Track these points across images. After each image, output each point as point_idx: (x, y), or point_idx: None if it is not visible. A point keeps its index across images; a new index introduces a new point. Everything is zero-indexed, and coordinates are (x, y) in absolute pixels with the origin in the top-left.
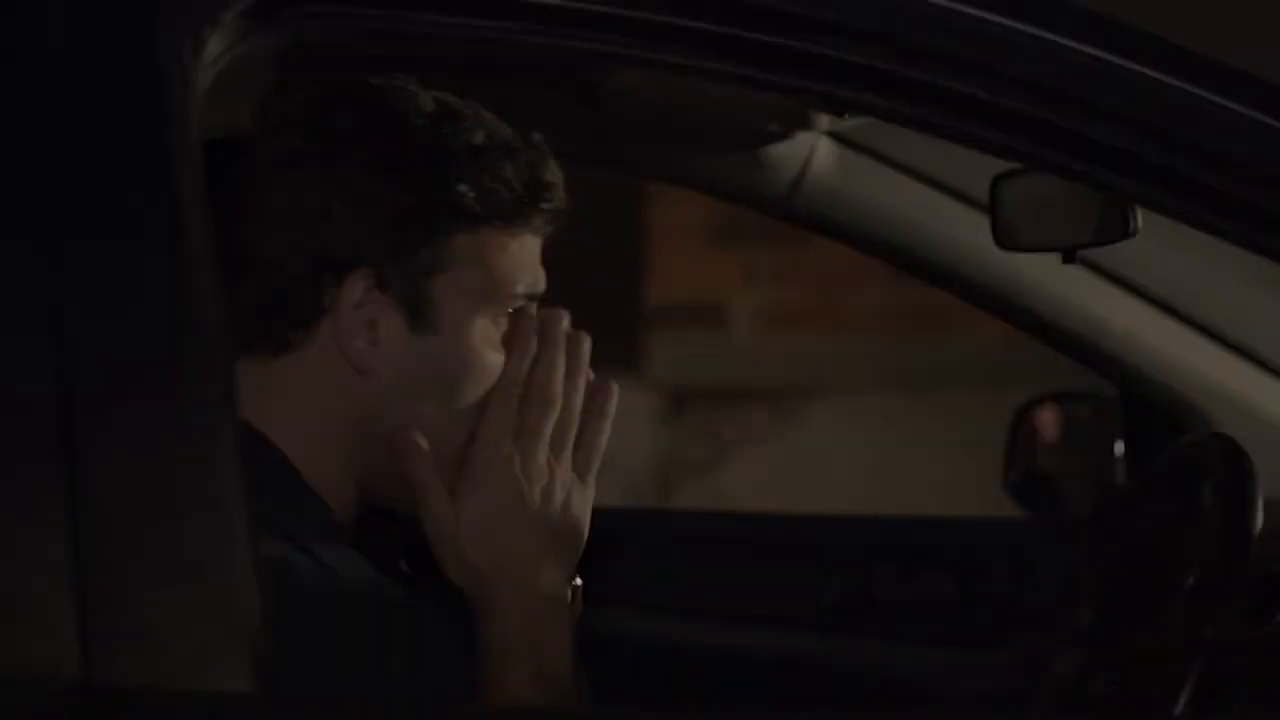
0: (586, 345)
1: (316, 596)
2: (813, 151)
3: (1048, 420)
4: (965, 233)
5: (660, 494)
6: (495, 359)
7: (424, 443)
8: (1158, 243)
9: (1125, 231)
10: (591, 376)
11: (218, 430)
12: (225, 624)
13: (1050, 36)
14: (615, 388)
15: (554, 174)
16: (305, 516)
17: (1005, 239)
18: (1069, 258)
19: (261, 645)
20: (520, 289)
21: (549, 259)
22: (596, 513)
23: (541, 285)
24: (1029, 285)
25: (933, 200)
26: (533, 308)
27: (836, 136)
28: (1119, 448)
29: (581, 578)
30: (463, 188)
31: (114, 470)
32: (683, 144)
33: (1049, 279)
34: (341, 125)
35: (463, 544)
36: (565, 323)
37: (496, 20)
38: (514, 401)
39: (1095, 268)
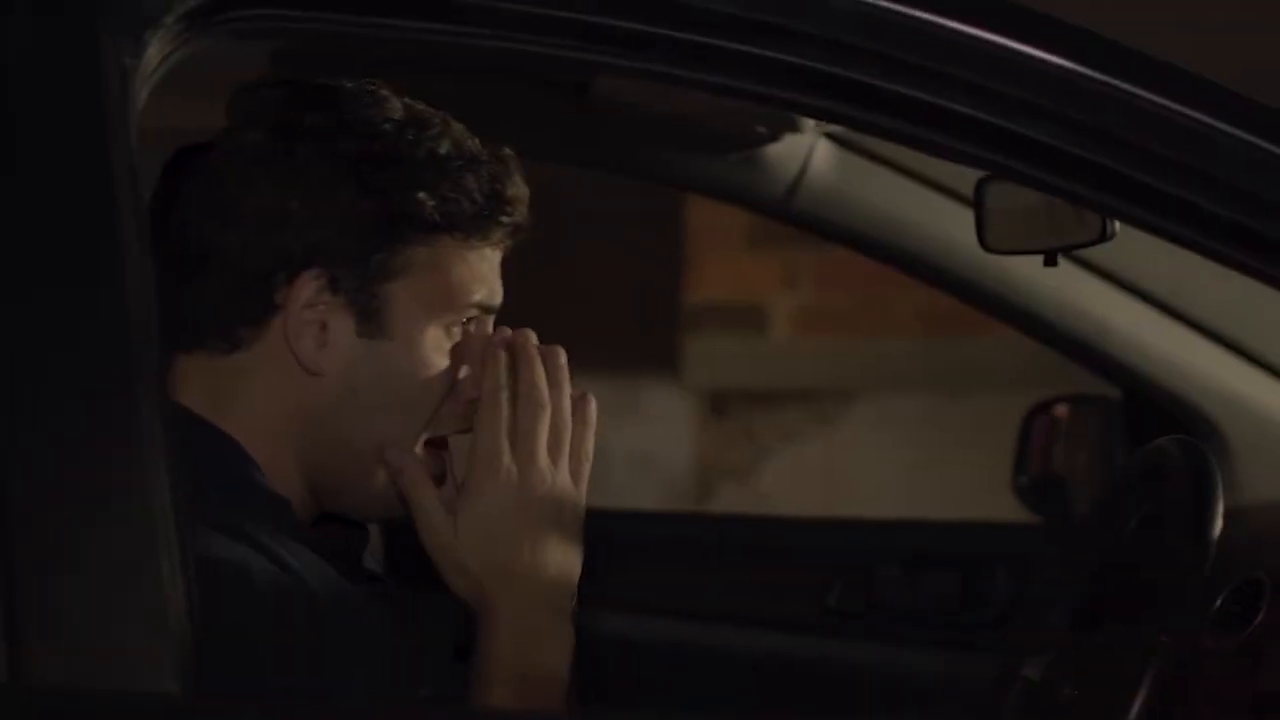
0: (563, 357)
1: (275, 598)
2: (811, 153)
3: (1055, 424)
4: (964, 234)
5: (698, 496)
6: (445, 369)
7: (413, 455)
8: (1158, 243)
9: (1103, 235)
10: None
11: (149, 431)
12: (155, 624)
13: (1021, 48)
14: (592, 399)
15: (517, 188)
16: (264, 514)
17: (989, 241)
18: (1050, 260)
19: (192, 646)
20: (475, 300)
21: (592, 259)
22: (594, 515)
23: (497, 299)
24: (1028, 286)
25: (932, 202)
26: (488, 323)
27: (835, 138)
28: (1124, 450)
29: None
30: (422, 196)
31: (43, 470)
32: (678, 146)
33: (1048, 280)
34: (308, 125)
35: (462, 553)
36: (534, 338)
37: (441, 24)
38: (505, 409)
39: (1096, 269)
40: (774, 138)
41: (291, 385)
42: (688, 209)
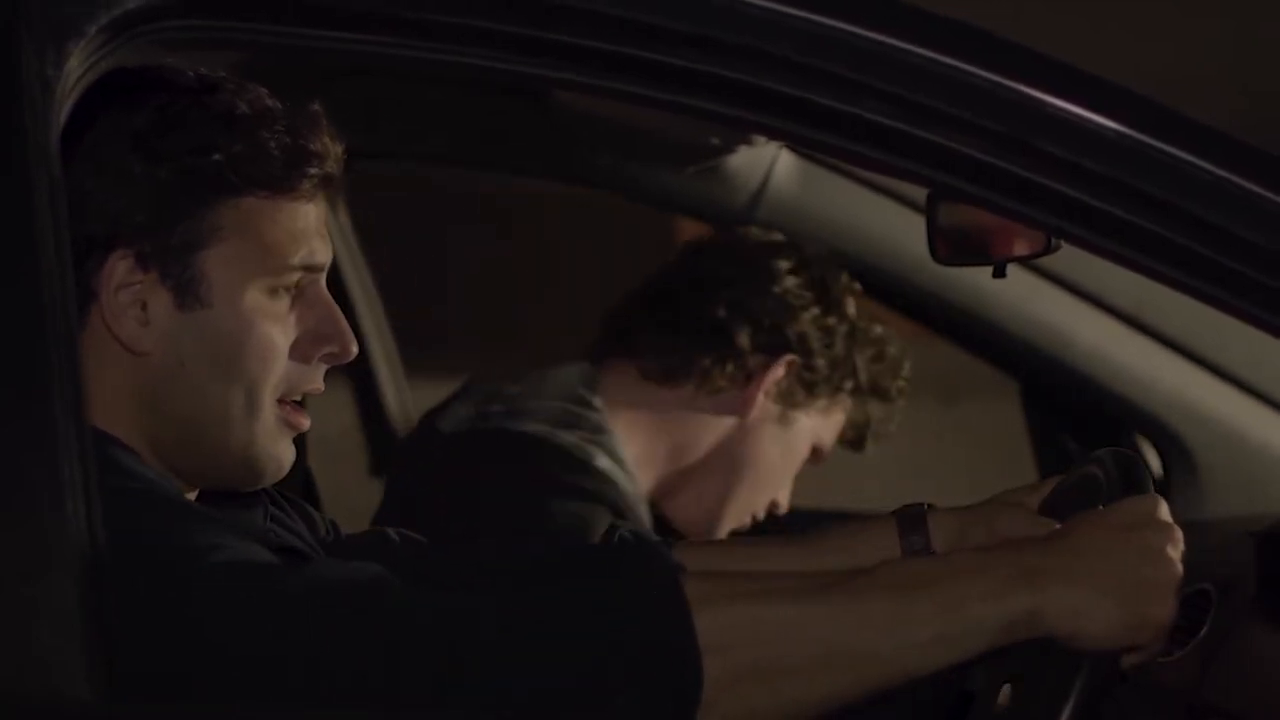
0: None
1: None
2: (773, 164)
3: None
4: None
5: None
6: (273, 331)
7: None
8: None
9: (1048, 247)
10: None
11: (61, 431)
12: (67, 628)
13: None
14: None
15: (320, 143)
16: (163, 506)
17: (939, 253)
18: (999, 272)
19: (106, 650)
20: (296, 261)
21: (583, 264)
22: None
23: (321, 257)
24: (991, 301)
25: (895, 214)
26: (319, 282)
27: (797, 149)
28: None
29: None
30: (217, 157)
31: None
32: (638, 158)
33: (1012, 294)
34: (101, 107)
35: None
36: None
37: (367, 35)
38: None
39: (1060, 282)
40: (730, 149)
41: (120, 369)
42: (680, 215)
